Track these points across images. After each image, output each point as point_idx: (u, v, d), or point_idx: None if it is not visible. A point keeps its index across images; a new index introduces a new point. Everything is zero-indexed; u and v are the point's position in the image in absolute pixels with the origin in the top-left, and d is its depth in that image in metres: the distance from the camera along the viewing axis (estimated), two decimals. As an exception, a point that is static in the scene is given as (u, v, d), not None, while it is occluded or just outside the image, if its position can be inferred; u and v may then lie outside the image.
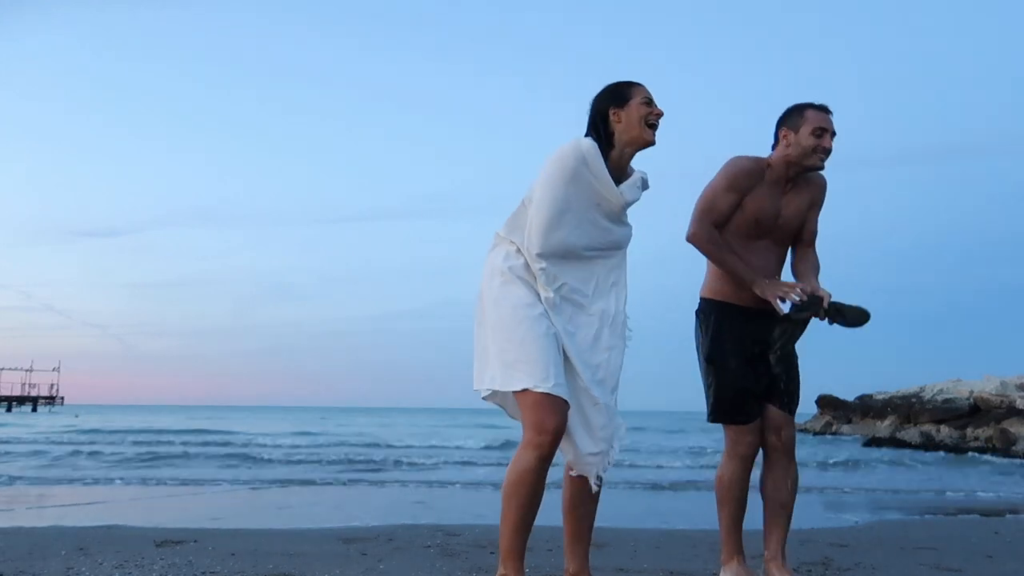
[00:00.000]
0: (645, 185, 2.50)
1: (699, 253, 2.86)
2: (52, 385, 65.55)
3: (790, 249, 2.97)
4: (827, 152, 2.81)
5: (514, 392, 2.27)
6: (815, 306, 2.69)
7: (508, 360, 2.27)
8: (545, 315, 2.31)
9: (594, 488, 2.40)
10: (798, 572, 3.28)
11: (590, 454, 2.37)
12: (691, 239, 2.83)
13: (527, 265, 2.35)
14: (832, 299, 2.70)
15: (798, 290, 2.71)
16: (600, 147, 2.35)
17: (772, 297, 2.73)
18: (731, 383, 2.83)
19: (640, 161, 2.49)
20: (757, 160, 2.86)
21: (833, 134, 2.82)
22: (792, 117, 2.84)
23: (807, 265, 2.93)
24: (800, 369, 2.94)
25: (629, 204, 2.43)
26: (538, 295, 2.33)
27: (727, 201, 2.81)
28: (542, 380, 2.21)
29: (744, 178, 2.82)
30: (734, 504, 2.86)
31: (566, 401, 2.25)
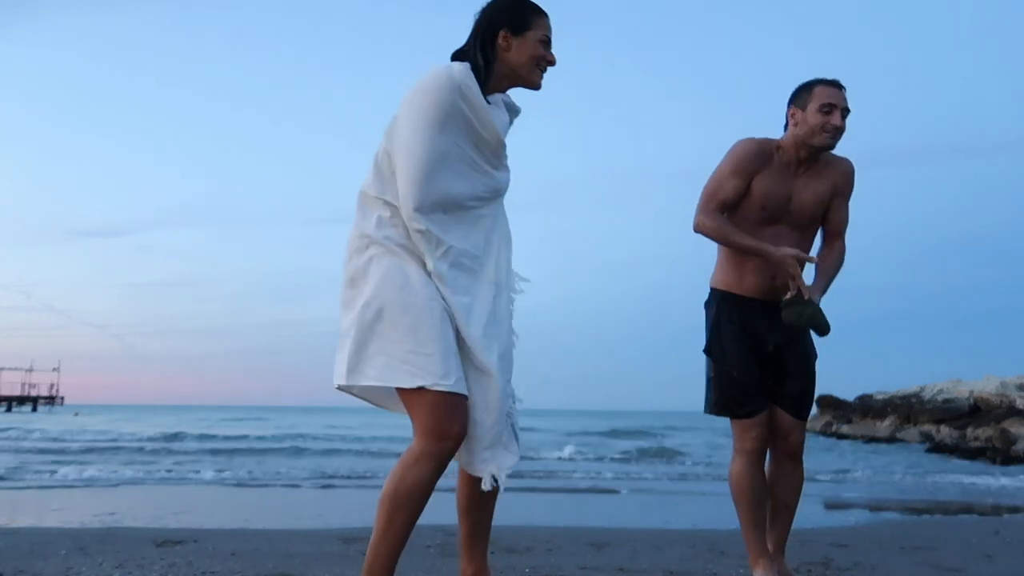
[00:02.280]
0: (514, 110, 2.17)
1: (709, 241, 2.77)
2: (52, 385, 65.64)
3: (820, 239, 2.85)
4: (837, 130, 2.64)
5: (402, 390, 1.90)
6: (798, 309, 2.61)
7: (395, 352, 1.89)
8: (436, 293, 1.94)
9: (486, 487, 1.99)
10: (798, 572, 3.28)
11: (486, 449, 1.99)
12: (697, 228, 2.73)
13: (407, 232, 1.96)
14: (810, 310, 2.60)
15: (798, 281, 2.58)
16: (475, 71, 2.00)
17: (784, 267, 2.59)
18: (729, 375, 2.75)
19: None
20: (765, 142, 2.73)
21: (845, 111, 2.66)
22: (801, 94, 2.70)
23: (827, 263, 2.79)
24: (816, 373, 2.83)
25: (503, 139, 2.08)
26: (423, 268, 1.96)
27: (732, 186, 2.69)
28: (442, 376, 1.87)
29: (750, 161, 2.69)
30: (747, 502, 2.76)
31: (466, 398, 1.93)
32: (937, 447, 19.69)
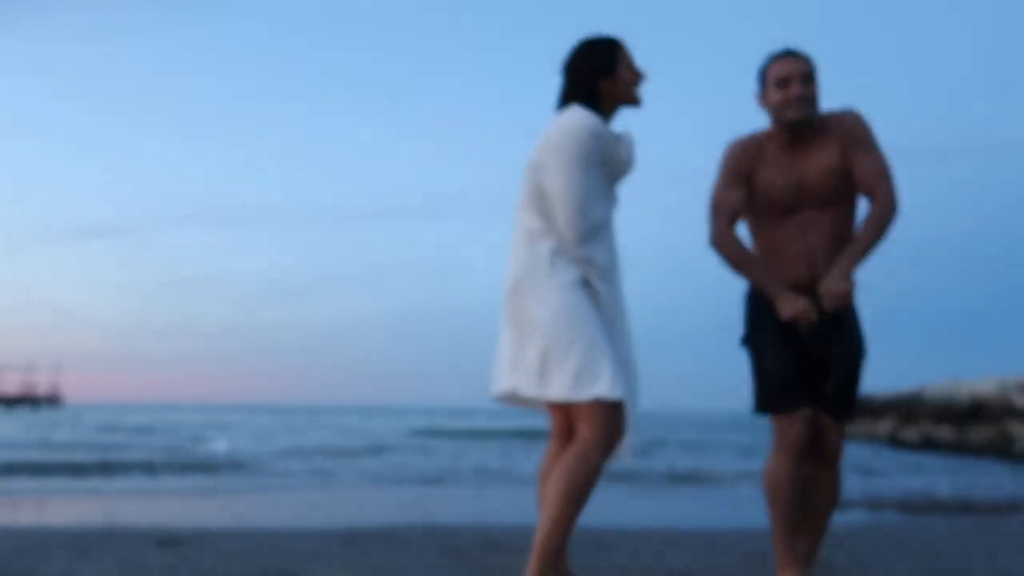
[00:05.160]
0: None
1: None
2: (53, 385, 65.58)
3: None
4: (800, 99, 2.50)
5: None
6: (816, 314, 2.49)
7: (570, 370, 2.18)
8: (593, 307, 2.27)
9: (625, 457, 2.34)
10: (798, 572, 3.28)
11: (628, 434, 2.32)
12: (712, 244, 2.62)
13: (573, 259, 2.29)
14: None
15: (807, 320, 2.47)
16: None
17: (786, 318, 2.50)
18: (770, 366, 2.57)
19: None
20: (751, 138, 2.64)
21: (807, 76, 2.51)
22: (760, 78, 2.61)
23: (863, 226, 2.53)
24: (861, 372, 2.61)
25: (631, 167, 2.41)
26: (584, 283, 2.28)
27: (734, 196, 2.59)
28: (609, 389, 2.15)
29: (740, 164, 2.60)
30: (784, 504, 2.56)
31: (625, 402, 2.24)
32: (936, 447, 19.70)
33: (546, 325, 2.22)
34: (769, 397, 2.59)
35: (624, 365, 2.31)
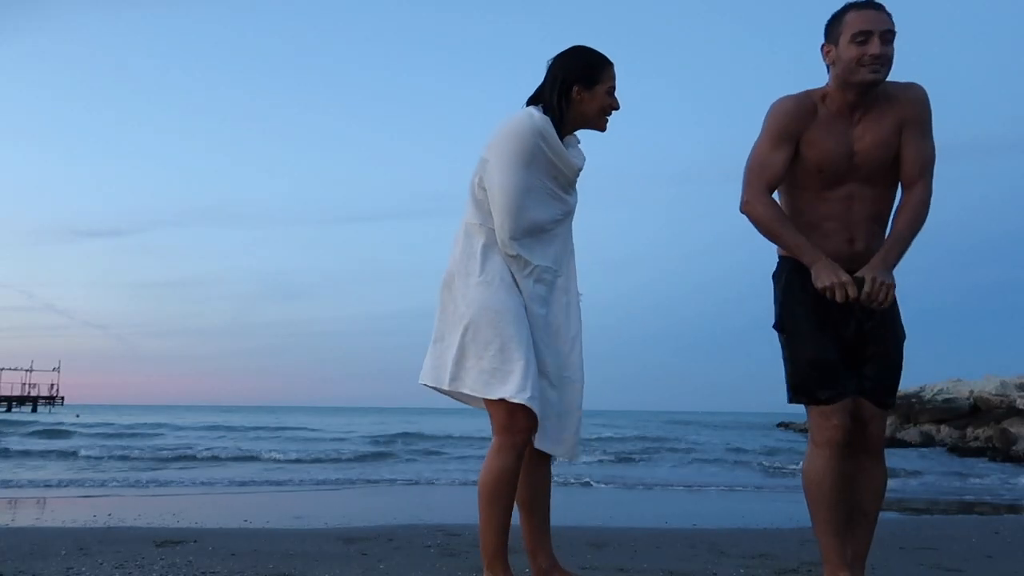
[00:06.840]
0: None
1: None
2: (52, 385, 65.41)
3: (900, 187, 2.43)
4: (878, 59, 2.24)
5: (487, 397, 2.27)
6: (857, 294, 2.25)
7: (484, 368, 2.25)
8: (523, 314, 2.29)
9: (565, 459, 2.39)
10: (797, 572, 3.28)
11: (569, 435, 2.38)
12: (744, 209, 2.39)
13: (504, 257, 2.32)
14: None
15: (848, 291, 2.22)
16: (550, 116, 2.32)
17: (820, 290, 2.27)
18: (807, 352, 2.37)
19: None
20: (804, 96, 2.38)
21: (887, 35, 2.26)
22: (832, 27, 2.33)
23: (901, 218, 2.36)
24: (903, 354, 2.46)
25: (580, 171, 2.42)
26: (513, 282, 2.31)
27: (778, 158, 2.36)
28: (517, 391, 2.20)
29: (790, 123, 2.35)
30: (826, 504, 2.34)
31: (535, 406, 2.25)
32: (936, 447, 19.66)
33: (467, 322, 2.27)
34: (806, 386, 2.38)
35: (558, 370, 2.36)
